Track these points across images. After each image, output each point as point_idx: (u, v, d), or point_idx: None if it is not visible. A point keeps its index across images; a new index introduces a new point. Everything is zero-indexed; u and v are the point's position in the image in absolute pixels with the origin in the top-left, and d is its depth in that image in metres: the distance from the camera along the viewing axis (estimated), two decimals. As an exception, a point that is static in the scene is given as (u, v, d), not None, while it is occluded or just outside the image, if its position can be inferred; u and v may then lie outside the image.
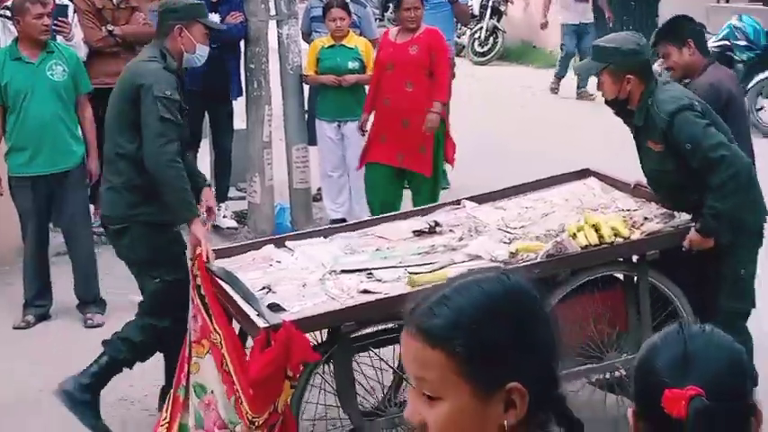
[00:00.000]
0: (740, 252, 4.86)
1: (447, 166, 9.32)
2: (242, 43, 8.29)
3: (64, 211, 6.72)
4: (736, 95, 5.38)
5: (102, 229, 7.84)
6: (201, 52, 5.23)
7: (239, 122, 8.66)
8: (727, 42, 11.46)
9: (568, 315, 4.57)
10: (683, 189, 4.80)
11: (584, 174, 5.52)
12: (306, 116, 8.44)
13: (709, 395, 1.75)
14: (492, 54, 17.29)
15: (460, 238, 4.87)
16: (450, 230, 4.99)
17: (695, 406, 1.73)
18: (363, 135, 7.77)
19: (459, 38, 15.91)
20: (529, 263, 4.44)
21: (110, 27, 7.80)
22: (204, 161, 9.02)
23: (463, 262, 4.50)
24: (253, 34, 8.16)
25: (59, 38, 7.28)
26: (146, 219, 5.02)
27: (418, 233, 4.98)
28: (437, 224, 5.02)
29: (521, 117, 12.54)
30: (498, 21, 17.43)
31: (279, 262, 4.87)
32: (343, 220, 7.47)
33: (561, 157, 10.36)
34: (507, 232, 4.88)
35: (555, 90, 14.31)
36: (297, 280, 4.58)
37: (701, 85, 5.14)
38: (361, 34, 8.45)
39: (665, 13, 14.33)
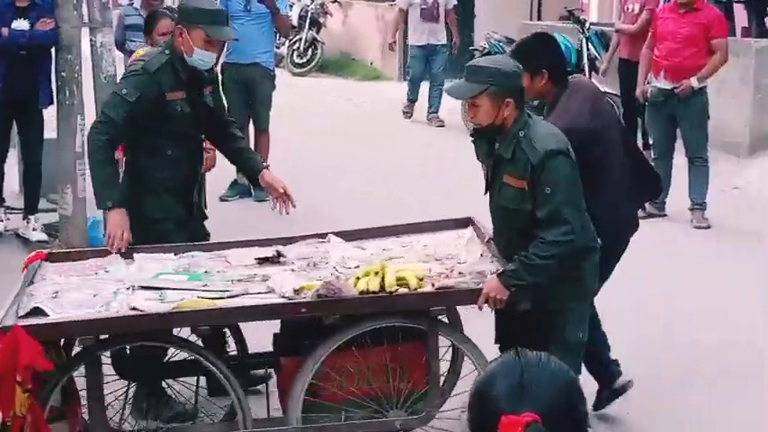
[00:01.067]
0: (569, 317, 4.52)
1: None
2: (53, 50, 8.03)
3: None
4: (599, 131, 4.95)
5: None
6: (201, 57, 5.10)
7: (51, 132, 8.38)
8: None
9: (349, 363, 4.43)
10: (528, 234, 4.36)
11: (465, 223, 5.19)
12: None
13: (546, 421, 1.76)
14: (311, 65, 17.32)
15: (292, 270, 4.70)
16: (292, 262, 4.82)
17: None
18: None
19: (278, 48, 15.88)
20: (299, 301, 4.27)
21: None
22: (12, 171, 8.72)
23: (258, 293, 4.38)
24: (65, 42, 7.90)
25: None
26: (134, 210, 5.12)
27: (261, 261, 4.83)
28: (279, 254, 4.86)
29: (344, 129, 12.59)
30: (317, 32, 17.49)
31: (107, 271, 4.77)
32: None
33: (386, 171, 10.46)
34: (338, 271, 4.67)
35: (408, 114, 13.55)
36: (95, 291, 4.47)
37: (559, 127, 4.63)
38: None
39: (481, 27, 14.70)
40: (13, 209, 8.06)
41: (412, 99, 13.48)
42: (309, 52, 17.36)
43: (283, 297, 4.30)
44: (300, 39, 17.14)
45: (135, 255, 4.94)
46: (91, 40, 8.03)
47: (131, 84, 5.13)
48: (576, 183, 4.37)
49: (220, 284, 4.52)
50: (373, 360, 4.46)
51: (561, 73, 4.98)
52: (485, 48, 12.75)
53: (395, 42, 14.70)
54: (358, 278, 4.37)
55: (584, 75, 11.26)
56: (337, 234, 5.12)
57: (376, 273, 4.37)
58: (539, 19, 15.50)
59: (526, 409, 1.78)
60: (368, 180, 9.94)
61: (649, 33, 8.99)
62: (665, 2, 10.00)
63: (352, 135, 12.22)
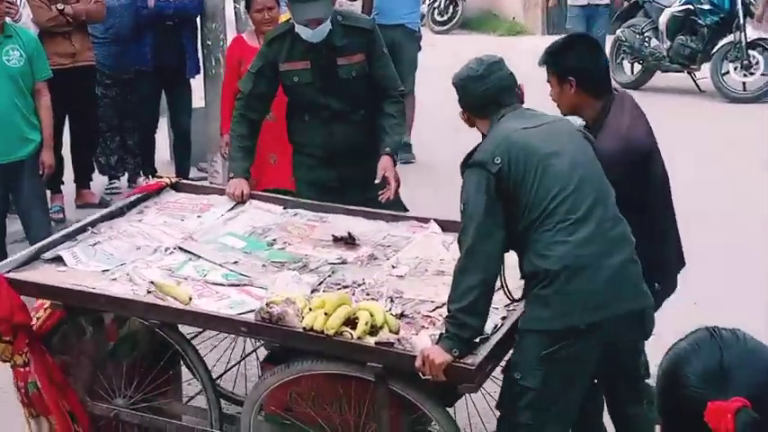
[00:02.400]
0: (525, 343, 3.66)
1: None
2: (198, 20, 8.09)
3: (21, 198, 6.61)
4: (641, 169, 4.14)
5: (60, 216, 7.75)
6: (303, 32, 5.02)
7: (198, 101, 8.47)
8: (690, 6, 11.37)
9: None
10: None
11: None
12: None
13: (754, 405, 1.65)
14: (452, 23, 17.13)
15: (339, 262, 4.43)
16: (363, 248, 4.54)
17: (743, 419, 1.64)
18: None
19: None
20: (239, 319, 3.96)
21: (60, 6, 7.54)
22: (163, 141, 8.85)
23: (260, 288, 4.20)
24: (209, 10, 7.97)
25: (7, 19, 7.05)
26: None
27: (336, 240, 4.63)
28: (351, 236, 4.61)
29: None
30: (457, -11, 17.28)
31: (198, 216, 4.88)
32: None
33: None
34: (389, 274, 4.28)
35: None
36: (148, 241, 4.61)
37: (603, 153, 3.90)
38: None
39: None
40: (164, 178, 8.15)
41: None
42: (450, 9, 17.16)
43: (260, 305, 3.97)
44: (441, -4, 16.96)
45: (251, 200, 5.03)
46: (235, 8, 8.08)
47: (257, 55, 5.26)
48: (488, 211, 3.56)
49: (249, 266, 4.42)
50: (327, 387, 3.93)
51: (595, 83, 4.19)
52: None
53: (558, 2, 13.79)
54: (309, 308, 3.88)
55: (739, 20, 10.83)
56: (440, 222, 4.73)
57: (323, 308, 3.84)
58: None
59: (732, 394, 1.65)
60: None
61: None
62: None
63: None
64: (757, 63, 11.02)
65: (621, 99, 4.26)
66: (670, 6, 11.54)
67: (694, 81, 11.75)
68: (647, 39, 11.62)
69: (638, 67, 12.09)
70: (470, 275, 3.55)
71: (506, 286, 3.78)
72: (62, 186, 8.02)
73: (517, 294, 3.82)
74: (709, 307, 5.49)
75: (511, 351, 3.73)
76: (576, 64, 4.18)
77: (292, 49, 5.10)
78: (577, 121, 4.05)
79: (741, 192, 7.97)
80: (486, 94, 3.81)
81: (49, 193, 7.69)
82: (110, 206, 7.17)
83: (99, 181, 8.53)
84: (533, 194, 3.55)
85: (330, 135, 5.20)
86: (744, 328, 1.78)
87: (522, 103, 3.92)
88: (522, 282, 3.74)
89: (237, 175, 5.13)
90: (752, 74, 11.06)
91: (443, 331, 3.59)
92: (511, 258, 3.74)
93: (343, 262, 4.45)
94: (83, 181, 8.22)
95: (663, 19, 11.40)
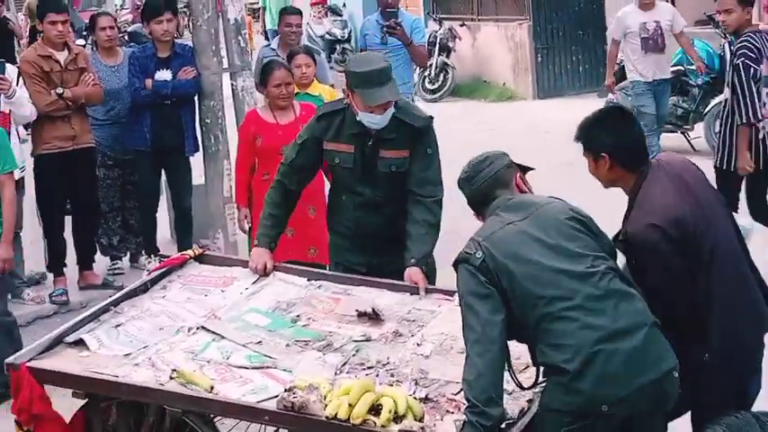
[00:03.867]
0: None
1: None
2: (196, 98, 8.15)
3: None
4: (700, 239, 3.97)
5: (63, 298, 7.73)
6: (367, 118, 4.89)
7: (198, 178, 8.50)
8: (680, 68, 11.47)
9: None
10: None
11: None
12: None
13: None
14: (443, 90, 17.24)
15: (369, 339, 4.41)
16: (388, 323, 4.51)
17: None
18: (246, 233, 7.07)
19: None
20: (262, 408, 3.96)
21: (59, 90, 7.60)
22: (163, 219, 8.87)
23: (284, 370, 4.19)
24: (207, 88, 8.04)
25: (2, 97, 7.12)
26: None
27: (361, 315, 4.59)
28: (375, 312, 4.56)
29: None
30: (447, 57, 17.41)
31: (222, 291, 4.86)
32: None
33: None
34: (413, 352, 4.27)
35: None
36: (172, 320, 4.62)
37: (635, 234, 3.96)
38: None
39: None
40: (167, 256, 8.14)
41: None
42: (441, 77, 17.29)
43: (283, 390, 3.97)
44: (431, 65, 17.07)
45: (275, 272, 5.01)
46: (232, 85, 8.14)
47: (306, 126, 5.26)
48: (472, 305, 3.68)
49: (273, 345, 4.40)
50: None
51: (630, 158, 4.11)
52: (622, 60, 12.41)
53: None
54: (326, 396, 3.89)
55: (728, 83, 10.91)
56: None
57: (348, 396, 3.84)
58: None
59: None
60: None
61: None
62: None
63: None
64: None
65: (660, 166, 4.14)
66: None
67: (688, 141, 11.82)
68: (639, 100, 11.66)
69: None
70: (478, 363, 3.61)
71: (514, 375, 3.82)
72: (65, 269, 8.01)
73: (527, 383, 3.85)
74: None
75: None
76: (608, 140, 4.11)
77: (340, 130, 5.05)
78: None
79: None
80: (478, 192, 3.98)
81: (51, 276, 7.69)
82: (113, 288, 7.21)
83: (101, 262, 8.52)
84: (519, 294, 3.65)
85: (360, 220, 5.14)
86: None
87: (523, 191, 4.02)
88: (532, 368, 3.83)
89: (261, 244, 5.10)
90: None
91: (466, 419, 3.59)
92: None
93: (368, 339, 4.43)
94: (85, 262, 8.20)
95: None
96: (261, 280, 4.97)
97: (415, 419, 3.75)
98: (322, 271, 5.15)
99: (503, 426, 3.65)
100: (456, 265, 3.80)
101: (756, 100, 6.95)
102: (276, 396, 3.92)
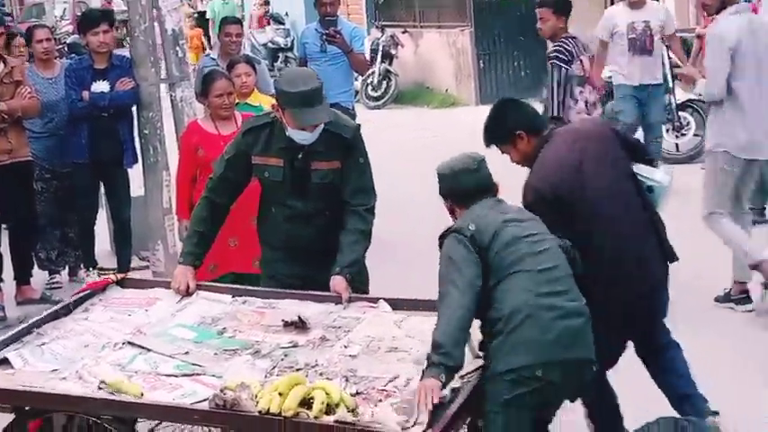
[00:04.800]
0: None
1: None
2: (134, 109, 8.08)
3: None
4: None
5: (0, 314, 7.61)
6: (297, 135, 4.88)
7: (137, 189, 8.42)
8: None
9: None
10: None
11: None
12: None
13: None
14: (386, 97, 17.29)
15: (296, 345, 4.42)
16: (314, 331, 4.52)
17: None
18: None
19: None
20: (192, 408, 3.94)
21: (-6, 104, 7.50)
22: (102, 232, 8.78)
23: (213, 376, 4.17)
24: (145, 99, 7.95)
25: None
26: None
27: (287, 324, 4.58)
28: (302, 320, 4.57)
29: (423, 159, 12.44)
30: (390, 64, 17.46)
31: (146, 311, 4.85)
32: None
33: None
34: (341, 354, 4.31)
35: None
36: (96, 338, 4.57)
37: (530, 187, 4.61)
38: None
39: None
40: (105, 269, 8.07)
41: None
42: (384, 85, 17.33)
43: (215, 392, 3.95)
44: (373, 72, 17.11)
45: (199, 291, 5.00)
46: (171, 96, 8.07)
47: (232, 140, 5.23)
48: (452, 278, 4.04)
49: (200, 355, 4.38)
50: None
51: (539, 123, 4.84)
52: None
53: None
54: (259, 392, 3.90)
55: (668, 83, 10.99)
56: (390, 301, 4.77)
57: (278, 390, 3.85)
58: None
59: None
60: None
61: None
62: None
63: (432, 165, 12.03)
64: (688, 124, 11.23)
65: (557, 135, 4.73)
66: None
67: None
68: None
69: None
70: (451, 316, 3.96)
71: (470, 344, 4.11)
72: (2, 284, 7.89)
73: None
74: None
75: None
76: (516, 119, 4.75)
77: (268, 144, 5.00)
78: None
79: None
80: (477, 185, 4.33)
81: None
82: (51, 302, 7.12)
83: (39, 276, 8.41)
84: (496, 258, 4.07)
85: (291, 233, 5.09)
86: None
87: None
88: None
89: (186, 262, 5.07)
90: (684, 135, 11.26)
91: (429, 361, 3.87)
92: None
93: (295, 345, 4.42)
94: (23, 277, 8.10)
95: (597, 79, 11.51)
96: (184, 299, 4.95)
97: (348, 411, 3.75)
98: (246, 287, 5.12)
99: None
100: (445, 235, 4.18)
101: (568, 97, 7.47)
102: (207, 399, 3.90)
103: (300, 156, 4.96)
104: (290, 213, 5.07)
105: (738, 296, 6.89)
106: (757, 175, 6.87)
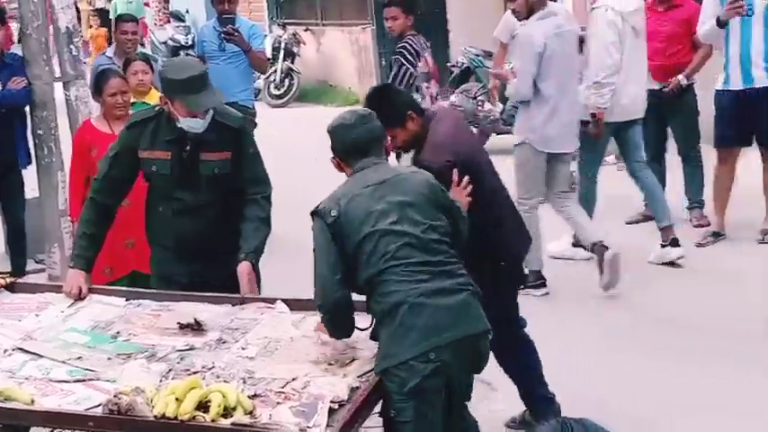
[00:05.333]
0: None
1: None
2: (28, 109, 7.89)
3: None
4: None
5: None
6: (189, 123, 4.82)
7: (31, 191, 8.23)
8: (519, 70, 11.71)
9: None
10: None
11: None
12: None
13: None
14: (289, 96, 17.20)
15: (192, 348, 4.34)
16: (210, 334, 4.46)
17: None
18: None
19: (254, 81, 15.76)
20: (86, 414, 3.83)
21: None
22: (-4, 235, 8.58)
23: (107, 381, 4.07)
24: (38, 98, 7.76)
25: None
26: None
27: (182, 327, 4.51)
28: (198, 323, 4.51)
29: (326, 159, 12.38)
30: (292, 62, 17.37)
31: (37, 315, 4.73)
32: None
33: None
34: (237, 356, 4.25)
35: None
36: None
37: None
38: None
39: (456, 43, 14.53)
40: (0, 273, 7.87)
41: None
42: (286, 83, 17.23)
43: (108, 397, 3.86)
44: (276, 70, 17.01)
45: (91, 295, 4.90)
46: (65, 95, 7.90)
47: (117, 138, 5.11)
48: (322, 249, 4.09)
49: (94, 360, 4.29)
50: None
51: (421, 109, 5.05)
52: (463, 63, 12.63)
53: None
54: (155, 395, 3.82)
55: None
56: (288, 302, 4.71)
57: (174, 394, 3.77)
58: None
59: None
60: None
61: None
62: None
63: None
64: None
65: (441, 113, 5.12)
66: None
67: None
68: (480, 103, 11.87)
69: (473, 130, 12.32)
70: (321, 301, 4.09)
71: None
72: None
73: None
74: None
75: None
76: (402, 102, 4.95)
77: (155, 137, 4.93)
78: None
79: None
80: (354, 142, 4.23)
81: None
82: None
83: (-70, 281, 8.15)
84: (365, 251, 4.01)
85: (180, 228, 5.00)
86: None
87: (388, 155, 4.46)
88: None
89: (77, 266, 4.96)
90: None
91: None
92: None
93: (191, 348, 4.36)
94: None
95: (493, 83, 11.67)
96: (77, 303, 4.86)
97: (245, 413, 3.70)
98: (140, 290, 5.04)
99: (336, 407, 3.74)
100: (313, 214, 4.13)
101: (414, 92, 7.83)
102: (100, 405, 3.81)
103: (189, 147, 4.91)
104: (178, 207, 5.00)
105: (534, 282, 7.22)
106: (567, 165, 7.54)
